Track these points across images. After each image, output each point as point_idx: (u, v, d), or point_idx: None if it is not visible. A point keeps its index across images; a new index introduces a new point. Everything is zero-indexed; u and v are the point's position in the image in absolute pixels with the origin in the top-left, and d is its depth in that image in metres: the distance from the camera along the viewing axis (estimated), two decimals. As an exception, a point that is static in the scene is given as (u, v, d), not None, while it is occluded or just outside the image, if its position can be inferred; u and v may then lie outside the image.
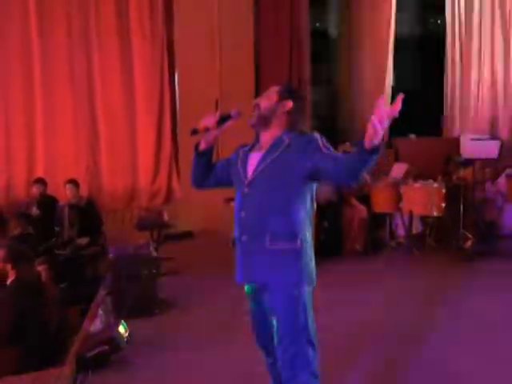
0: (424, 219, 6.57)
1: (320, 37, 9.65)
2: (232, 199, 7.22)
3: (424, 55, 10.16)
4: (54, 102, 7.88)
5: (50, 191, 7.10)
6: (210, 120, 2.63)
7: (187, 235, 7.41)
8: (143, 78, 7.94)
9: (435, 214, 6.07)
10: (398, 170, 6.98)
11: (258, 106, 2.61)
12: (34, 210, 6.83)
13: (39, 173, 7.76)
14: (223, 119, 2.60)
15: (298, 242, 2.47)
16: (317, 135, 2.47)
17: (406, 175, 6.67)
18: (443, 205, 6.00)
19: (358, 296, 4.97)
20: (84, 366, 3.50)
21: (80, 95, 7.89)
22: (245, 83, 7.69)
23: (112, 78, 7.95)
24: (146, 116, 7.95)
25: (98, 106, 7.94)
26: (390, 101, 8.74)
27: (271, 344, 2.51)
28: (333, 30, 10.59)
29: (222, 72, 7.61)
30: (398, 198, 6.19)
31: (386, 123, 2.12)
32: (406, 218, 6.31)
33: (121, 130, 7.96)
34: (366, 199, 6.53)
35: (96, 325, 3.95)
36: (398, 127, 9.05)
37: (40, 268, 4.63)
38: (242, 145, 2.76)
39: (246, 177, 2.57)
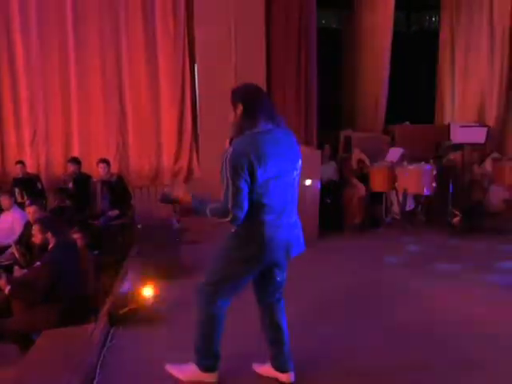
0: (416, 197, 6.53)
1: (324, 32, 9.49)
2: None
3: (419, 49, 9.99)
4: (87, 91, 7.87)
5: (84, 169, 7.14)
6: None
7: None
8: (167, 70, 7.90)
9: (427, 192, 6.03)
10: (394, 153, 6.92)
11: (230, 121, 2.54)
12: (71, 186, 6.88)
13: (75, 152, 7.80)
14: (166, 201, 2.67)
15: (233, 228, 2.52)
16: (230, 150, 2.37)
17: (401, 158, 6.60)
18: (434, 185, 5.96)
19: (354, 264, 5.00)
20: (115, 322, 3.57)
21: (110, 84, 7.87)
22: (257, 74, 7.63)
23: (139, 70, 7.91)
24: (169, 103, 7.94)
25: (127, 94, 7.92)
26: (387, 90, 8.73)
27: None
28: (336, 27, 10.45)
29: (236, 65, 7.56)
30: (394, 179, 6.14)
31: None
32: (400, 196, 6.27)
33: (147, 116, 7.96)
34: (365, 179, 6.50)
35: (126, 286, 4.01)
36: (394, 115, 9.06)
37: (76, 236, 4.68)
38: None
39: None
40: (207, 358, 2.67)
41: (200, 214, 2.51)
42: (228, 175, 2.34)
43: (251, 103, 2.45)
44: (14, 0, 7.63)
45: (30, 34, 7.72)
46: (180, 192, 2.61)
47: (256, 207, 2.44)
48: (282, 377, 2.73)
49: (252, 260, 2.51)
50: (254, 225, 2.47)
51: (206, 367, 2.68)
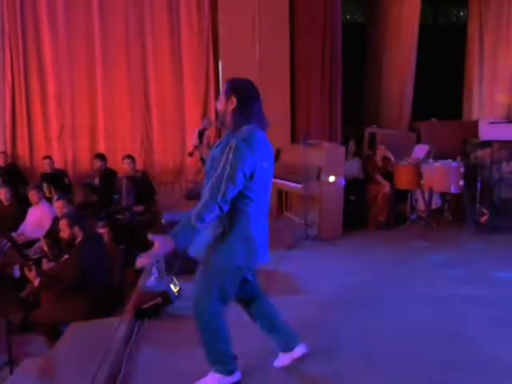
0: (443, 195, 6.43)
1: (350, 27, 9.40)
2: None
3: (446, 44, 9.81)
4: (112, 87, 7.98)
5: (109, 165, 7.25)
6: (194, 139, 2.60)
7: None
8: (191, 66, 7.95)
9: (454, 191, 5.93)
10: (420, 150, 6.81)
11: (217, 111, 2.55)
12: (97, 181, 7.00)
13: (100, 148, 7.91)
14: (201, 133, 2.58)
15: (220, 229, 2.44)
16: (234, 144, 2.34)
17: (428, 155, 6.50)
18: (461, 183, 5.86)
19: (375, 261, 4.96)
20: (141, 315, 3.63)
21: (135, 82, 7.96)
22: (281, 70, 7.62)
23: (163, 66, 7.98)
24: (193, 99, 7.98)
25: (151, 91, 8.00)
26: (413, 86, 8.60)
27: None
28: (362, 21, 10.33)
29: (260, 61, 7.55)
30: (419, 176, 6.06)
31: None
32: (426, 194, 6.18)
33: (171, 112, 8.02)
34: (389, 176, 6.43)
35: (151, 281, 4.06)
36: (420, 111, 8.92)
37: (102, 231, 4.77)
38: None
39: None
40: (230, 363, 2.66)
41: (187, 238, 2.39)
42: (228, 167, 2.31)
43: (246, 99, 2.46)
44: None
45: (58, 30, 7.85)
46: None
47: (245, 207, 2.43)
48: (294, 354, 2.78)
49: (242, 266, 2.52)
50: (243, 226, 2.44)
51: (231, 370, 2.67)
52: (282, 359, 2.83)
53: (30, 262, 4.14)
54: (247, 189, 2.41)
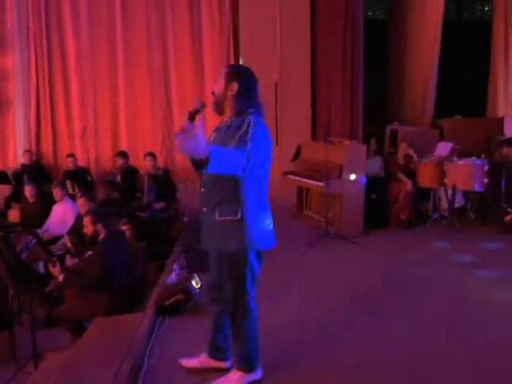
0: (466, 194, 6.32)
1: (371, 23, 9.31)
2: (289, 172, 7.16)
3: (470, 39, 9.63)
4: (134, 86, 8.08)
5: (131, 163, 7.33)
6: (183, 121, 2.58)
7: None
8: (212, 64, 7.98)
9: (478, 189, 5.83)
10: (443, 148, 6.70)
11: (213, 93, 2.52)
12: (119, 179, 7.08)
13: (122, 146, 8.01)
14: (192, 115, 2.51)
15: (239, 214, 2.43)
16: (250, 120, 2.35)
17: (451, 153, 6.40)
18: (486, 181, 5.75)
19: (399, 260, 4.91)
20: (162, 312, 3.66)
21: (157, 81, 8.04)
22: (302, 67, 7.60)
23: (184, 64, 8.03)
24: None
25: (173, 89, 8.07)
26: (435, 83, 8.47)
27: None
28: (384, 18, 10.22)
29: (281, 58, 7.53)
30: (443, 174, 5.97)
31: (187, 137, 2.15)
32: (449, 192, 6.09)
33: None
34: (412, 174, 6.35)
35: (172, 278, 4.10)
36: (443, 108, 8.78)
37: (124, 228, 4.82)
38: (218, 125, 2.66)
39: None
40: (256, 358, 2.66)
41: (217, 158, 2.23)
42: (249, 144, 2.31)
43: (248, 86, 2.46)
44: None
45: (81, 31, 7.98)
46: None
47: (258, 189, 2.47)
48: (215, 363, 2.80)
49: (261, 253, 2.55)
50: (257, 208, 2.47)
51: (255, 366, 2.66)
52: (194, 360, 2.83)
53: (54, 258, 4.21)
54: (259, 172, 2.44)
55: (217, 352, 2.79)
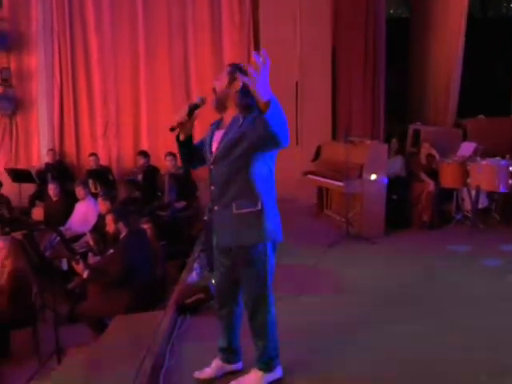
0: (490, 194, 6.21)
1: (394, 21, 9.20)
2: (309, 172, 7.12)
3: (495, 36, 9.45)
4: (155, 83, 8.15)
5: (152, 162, 7.39)
6: (181, 114, 2.56)
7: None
8: (232, 61, 7.99)
9: (502, 190, 5.72)
10: (467, 148, 6.60)
11: (214, 89, 2.50)
12: (140, 178, 7.16)
13: (143, 146, 8.09)
14: (192, 109, 2.49)
15: (259, 205, 2.44)
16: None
17: (475, 153, 6.30)
18: (510, 181, 5.64)
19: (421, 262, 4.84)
20: (183, 310, 3.69)
21: (177, 78, 8.10)
22: (323, 66, 7.55)
23: (205, 63, 8.07)
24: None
25: (193, 86, 8.12)
26: (460, 74, 8.32)
27: None
28: (406, 16, 10.09)
29: (301, 56, 7.50)
30: (466, 175, 5.87)
31: (260, 73, 2.14)
32: (472, 193, 5.99)
33: (213, 109, 8.09)
34: (434, 174, 6.26)
35: (193, 277, 4.12)
36: (467, 108, 8.64)
37: (145, 226, 4.86)
38: (214, 121, 2.67)
39: (211, 154, 2.55)
40: (277, 356, 2.65)
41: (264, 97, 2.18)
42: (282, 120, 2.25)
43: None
44: (89, -1, 8.04)
45: (103, 29, 8.09)
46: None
47: (271, 182, 2.50)
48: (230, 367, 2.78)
49: (275, 248, 2.53)
50: (272, 201, 2.49)
51: (276, 364, 2.65)
52: (208, 371, 2.78)
53: (78, 256, 4.28)
54: (273, 164, 2.49)
55: (233, 355, 2.78)
